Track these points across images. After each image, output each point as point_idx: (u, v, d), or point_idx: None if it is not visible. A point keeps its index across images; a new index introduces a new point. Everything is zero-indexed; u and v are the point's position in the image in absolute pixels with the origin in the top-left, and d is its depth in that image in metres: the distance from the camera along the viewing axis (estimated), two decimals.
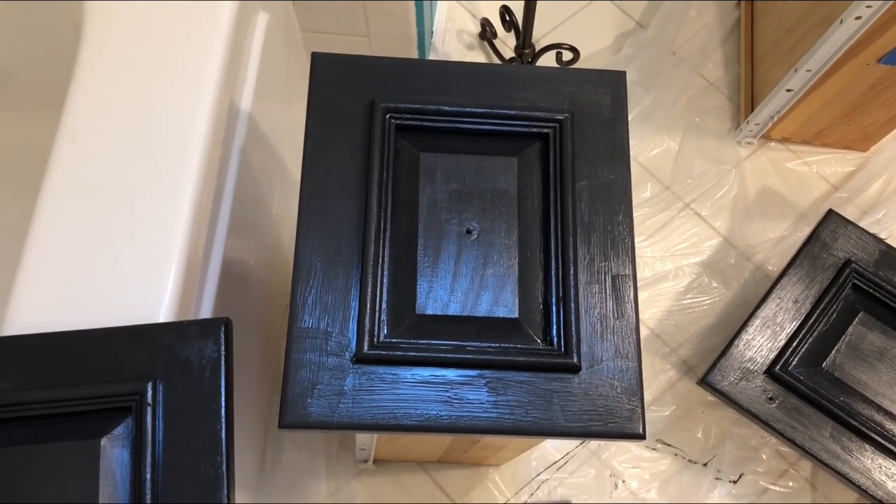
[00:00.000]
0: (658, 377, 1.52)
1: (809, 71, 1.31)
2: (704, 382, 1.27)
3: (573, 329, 0.81)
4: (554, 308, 0.83)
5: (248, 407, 1.26)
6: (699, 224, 1.59)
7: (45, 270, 0.85)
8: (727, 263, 1.57)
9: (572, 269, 0.83)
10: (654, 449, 1.48)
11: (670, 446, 1.48)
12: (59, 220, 0.87)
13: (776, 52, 1.47)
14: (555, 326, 0.82)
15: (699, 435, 1.48)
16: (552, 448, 1.47)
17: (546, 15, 1.71)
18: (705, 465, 1.47)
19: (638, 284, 1.55)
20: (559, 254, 0.84)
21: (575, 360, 0.80)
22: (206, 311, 0.98)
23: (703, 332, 1.54)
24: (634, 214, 1.60)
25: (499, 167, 0.88)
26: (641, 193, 1.61)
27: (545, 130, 0.88)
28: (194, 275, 0.93)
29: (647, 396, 1.52)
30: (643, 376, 1.50)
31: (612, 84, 0.91)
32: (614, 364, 0.82)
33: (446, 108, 0.88)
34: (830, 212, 1.32)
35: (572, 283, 0.82)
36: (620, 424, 0.80)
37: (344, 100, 0.88)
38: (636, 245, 1.58)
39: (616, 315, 0.83)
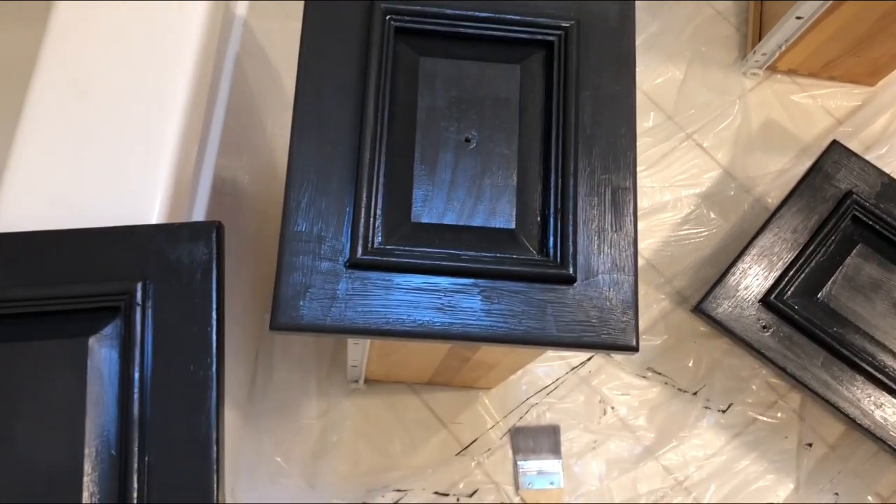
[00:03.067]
0: (651, 307, 1.52)
1: (817, 1, 1.28)
2: (698, 310, 1.27)
3: (570, 241, 0.80)
4: (551, 219, 0.81)
5: (238, 325, 1.26)
6: (700, 155, 1.58)
7: (34, 170, 0.84)
8: (726, 195, 1.55)
9: (572, 180, 0.82)
10: (644, 377, 1.49)
11: (661, 375, 1.49)
12: (48, 120, 0.85)
13: None
14: (551, 238, 0.81)
15: (690, 364, 1.49)
16: (542, 373, 1.48)
17: None
18: (695, 394, 1.47)
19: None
20: (559, 165, 0.82)
21: (570, 271, 0.79)
22: (197, 218, 0.97)
23: (698, 263, 1.53)
24: (638, 142, 1.58)
25: (500, 75, 0.86)
26: (644, 123, 1.59)
27: (550, 38, 0.86)
28: (186, 181, 0.92)
29: (640, 325, 1.51)
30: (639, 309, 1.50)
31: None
32: (610, 277, 0.81)
33: (448, 10, 0.85)
34: (834, 142, 1.30)
35: (571, 194, 0.81)
36: (614, 336, 0.79)
37: (342, 0, 0.85)
38: (639, 174, 1.57)
39: (614, 228, 0.82)
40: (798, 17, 1.36)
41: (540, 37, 0.85)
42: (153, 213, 0.84)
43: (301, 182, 0.80)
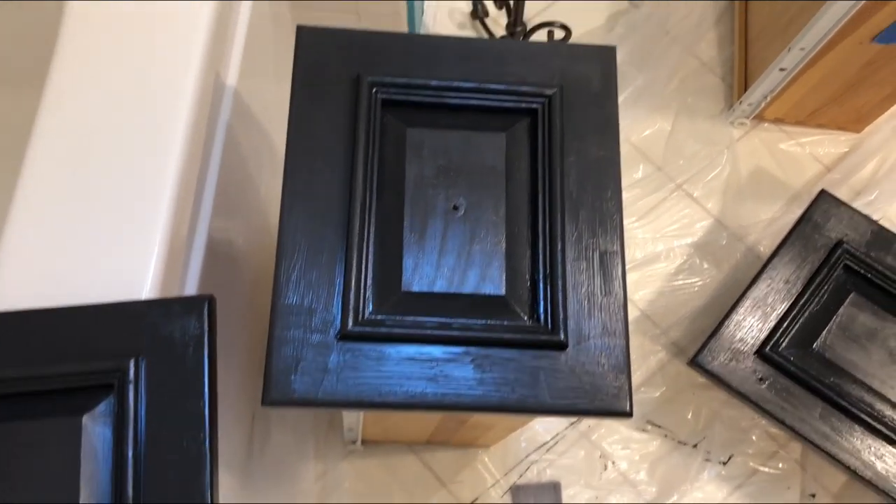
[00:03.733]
0: (648, 358, 1.51)
1: (803, 49, 1.30)
2: (694, 363, 1.27)
3: (560, 306, 0.80)
4: (541, 285, 0.82)
5: (234, 388, 1.25)
6: (691, 205, 1.59)
7: (26, 247, 0.84)
8: (719, 245, 1.56)
9: (560, 245, 0.82)
10: (643, 430, 1.48)
11: (660, 427, 1.48)
12: (41, 195, 0.86)
13: (770, 31, 1.46)
14: (542, 303, 0.81)
15: (689, 416, 1.48)
16: (542, 429, 1.47)
17: None
18: (695, 446, 1.46)
19: (628, 266, 1.55)
20: (547, 230, 0.83)
21: (562, 337, 0.79)
22: (190, 290, 0.97)
23: (693, 313, 1.53)
24: (626, 195, 1.59)
25: (487, 143, 0.87)
26: (633, 174, 1.60)
27: (534, 106, 0.87)
28: (178, 253, 0.92)
29: (638, 378, 1.51)
30: (633, 357, 1.50)
31: (602, 59, 0.90)
32: (601, 341, 0.81)
33: (434, 82, 0.86)
34: (822, 192, 1.31)
35: (560, 259, 0.81)
36: (607, 402, 0.79)
37: (329, 74, 0.87)
38: (628, 226, 1.58)
39: (604, 292, 0.82)
40: (781, 69, 1.38)
41: (524, 105, 0.87)
42: (147, 280, 0.84)
43: (291, 254, 0.81)
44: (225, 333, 1.07)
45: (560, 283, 0.81)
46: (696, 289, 1.54)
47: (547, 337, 0.79)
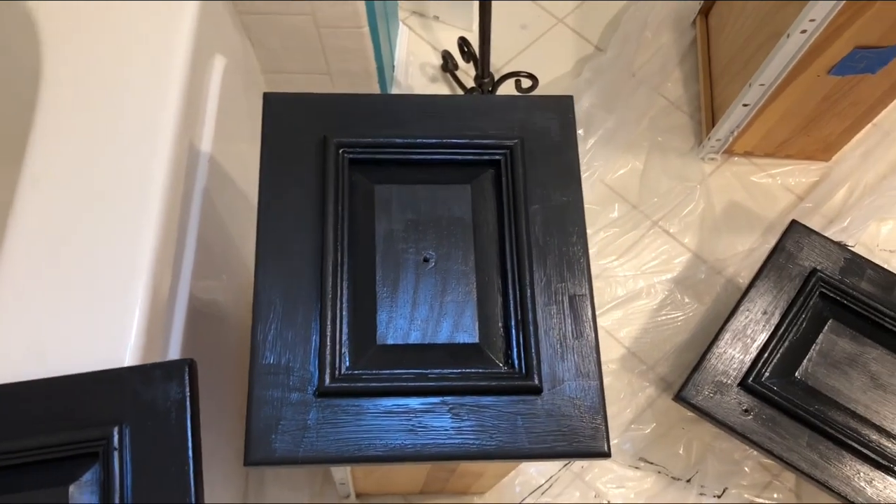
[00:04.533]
0: (637, 395, 1.52)
1: (763, 85, 1.33)
2: (680, 398, 1.28)
3: (533, 351, 0.82)
4: (513, 331, 0.83)
5: (226, 445, 1.26)
6: (668, 241, 1.61)
7: (9, 320, 0.86)
8: (698, 278, 1.58)
9: (529, 291, 0.84)
10: (637, 468, 1.48)
11: (653, 464, 1.48)
12: (22, 268, 0.88)
13: (731, 69, 1.50)
14: (515, 349, 0.83)
15: (681, 451, 1.48)
16: (535, 472, 1.47)
17: (506, 43, 1.73)
18: (689, 481, 1.47)
19: (612, 304, 1.56)
20: (516, 277, 0.85)
21: (536, 381, 0.81)
22: (174, 352, 0.99)
23: (678, 347, 1.54)
24: (604, 234, 1.62)
25: (453, 195, 0.89)
26: (610, 214, 1.63)
27: (496, 157, 0.89)
28: (160, 316, 0.94)
29: (628, 415, 1.52)
30: (622, 395, 1.50)
31: (560, 109, 0.92)
32: (576, 383, 0.82)
33: (398, 140, 0.89)
34: (793, 222, 1.34)
35: (530, 305, 0.83)
36: (585, 443, 0.80)
37: (297, 137, 0.89)
38: (608, 265, 1.60)
39: (575, 335, 0.84)
40: (745, 105, 1.41)
41: (487, 157, 0.89)
42: (128, 346, 0.86)
43: (266, 315, 0.82)
44: (213, 392, 1.08)
45: (532, 328, 0.82)
46: (680, 323, 1.56)
47: (522, 382, 0.81)
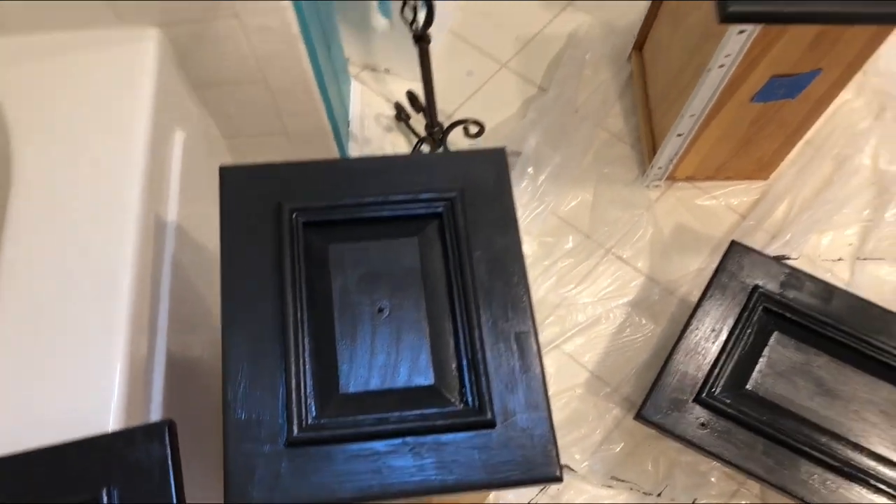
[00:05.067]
0: (604, 417, 1.59)
1: (693, 116, 1.42)
2: (640, 417, 1.34)
3: (485, 388, 0.88)
4: (466, 371, 0.90)
5: (215, 495, 1.31)
6: (622, 267, 1.68)
7: None
8: (653, 300, 1.65)
9: (478, 332, 0.91)
10: (609, 486, 1.54)
11: (624, 482, 1.54)
12: (5, 339, 0.94)
13: (666, 101, 1.58)
14: (468, 388, 0.89)
15: (650, 467, 1.55)
16: (513, 497, 1.53)
17: (455, 91, 1.81)
18: (659, 495, 1.53)
19: (574, 330, 1.63)
20: (465, 320, 0.92)
21: (489, 416, 0.87)
22: (156, 406, 1.04)
23: (640, 368, 1.61)
24: (561, 264, 1.69)
25: (402, 248, 0.96)
26: (565, 245, 1.70)
27: (439, 209, 0.97)
28: (140, 374, 1.00)
29: (597, 436, 1.58)
30: (590, 417, 1.56)
31: (495, 160, 1.00)
32: (527, 415, 0.89)
33: (347, 201, 0.96)
34: (733, 243, 1.42)
35: (479, 345, 0.90)
36: (539, 470, 0.87)
37: (253, 205, 0.96)
38: (568, 293, 1.67)
39: (522, 369, 0.90)
40: (679, 134, 1.50)
41: (430, 210, 0.96)
42: (111, 409, 0.92)
43: (235, 374, 0.88)
44: (197, 444, 1.14)
45: (482, 366, 0.89)
46: (639, 344, 1.63)
47: (476, 418, 0.87)
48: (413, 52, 1.36)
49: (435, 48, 1.83)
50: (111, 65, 1.13)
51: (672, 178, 1.71)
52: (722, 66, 1.26)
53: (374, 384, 0.90)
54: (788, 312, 1.37)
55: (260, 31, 1.16)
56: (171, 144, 1.19)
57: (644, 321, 1.64)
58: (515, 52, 1.87)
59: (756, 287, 1.39)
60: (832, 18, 1.09)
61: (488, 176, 0.99)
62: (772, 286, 1.39)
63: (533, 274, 1.69)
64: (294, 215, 0.95)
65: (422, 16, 1.18)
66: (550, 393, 1.55)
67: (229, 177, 0.97)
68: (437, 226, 0.97)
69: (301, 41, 1.21)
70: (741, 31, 1.16)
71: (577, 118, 1.76)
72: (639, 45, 1.77)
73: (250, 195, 0.97)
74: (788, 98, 1.37)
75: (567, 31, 1.87)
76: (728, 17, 1.06)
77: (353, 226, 0.97)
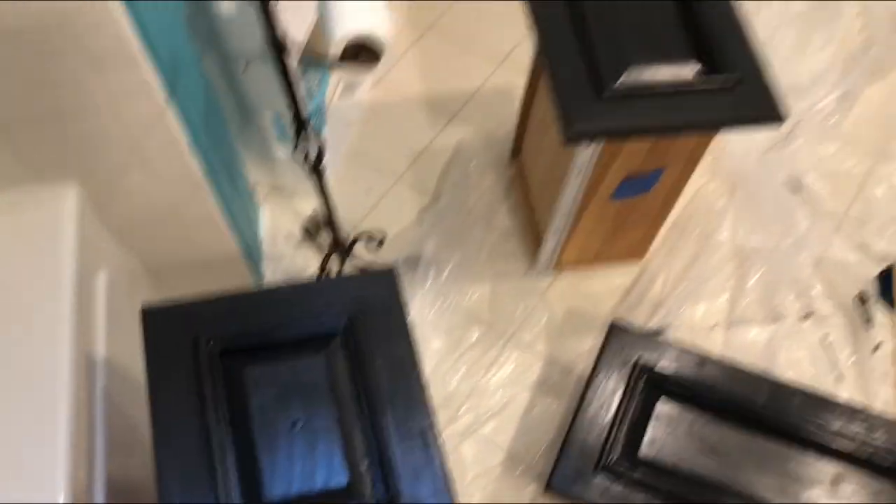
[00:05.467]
0: (522, 493, 1.71)
1: (564, 214, 1.61)
2: (549, 490, 1.48)
3: (395, 482, 1.01)
4: (377, 468, 1.03)
5: None
6: (524, 351, 1.84)
7: None
8: (554, 380, 1.81)
9: (384, 432, 1.04)
10: None
11: None
12: None
13: (542, 201, 1.78)
14: (379, 484, 1.02)
15: None
16: None
17: (356, 207, 1.97)
18: None
19: (487, 415, 1.76)
20: (371, 423, 1.05)
21: None
22: None
23: (550, 444, 1.75)
24: (469, 355, 1.83)
25: (310, 365, 1.09)
26: (471, 337, 1.85)
27: (341, 327, 1.10)
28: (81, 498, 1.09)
29: None
30: (510, 496, 1.69)
31: (388, 279, 1.15)
32: (435, 499, 1.01)
33: (258, 327, 1.09)
34: (612, 324, 1.59)
35: (386, 444, 1.03)
36: None
37: (173, 338, 1.08)
38: (479, 381, 1.81)
39: (427, 461, 1.03)
40: (556, 230, 1.68)
41: (333, 328, 1.10)
42: None
43: (168, 494, 0.99)
44: None
45: (391, 463, 1.02)
46: (547, 422, 1.77)
47: None
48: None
49: (335, 170, 2.00)
50: (34, 220, 1.24)
51: (559, 267, 1.89)
52: (580, 172, 1.45)
53: (296, 490, 1.02)
54: (667, 381, 1.54)
55: (167, 179, 1.30)
56: (96, 285, 1.31)
57: (549, 400, 1.79)
58: (408, 166, 2.05)
59: (637, 361, 1.55)
60: (654, 132, 1.28)
61: (382, 292, 1.14)
62: (650, 358, 1.56)
63: (444, 366, 1.82)
64: (210, 344, 1.07)
65: (314, 152, 1.34)
66: (471, 477, 1.70)
67: (149, 316, 1.10)
68: (341, 341, 1.11)
69: (205, 183, 1.35)
70: (588, 146, 1.36)
71: (469, 220, 1.94)
72: (516, 152, 1.98)
73: (169, 330, 1.09)
74: (643, 193, 1.57)
75: (452, 143, 2.07)
76: (569, 141, 1.25)
77: (265, 349, 1.09)
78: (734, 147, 2.00)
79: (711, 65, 1.29)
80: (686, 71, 1.30)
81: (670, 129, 1.28)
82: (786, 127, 2.04)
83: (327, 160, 1.47)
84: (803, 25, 2.21)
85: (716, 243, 1.91)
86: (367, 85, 2.13)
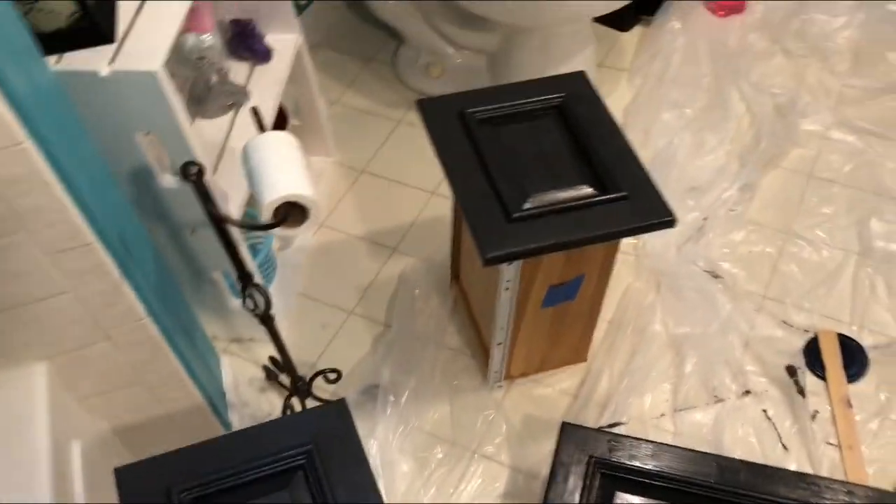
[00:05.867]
0: None
1: (503, 328, 1.74)
2: None
3: None
4: None
5: None
6: (489, 463, 1.92)
7: None
8: (521, 487, 1.88)
9: None
10: None
11: None
12: None
13: (484, 317, 1.91)
14: None
15: None
16: None
17: (313, 344, 2.08)
18: None
19: None
20: None
21: None
22: None
23: None
24: (436, 474, 1.91)
25: (277, 499, 1.18)
26: (436, 456, 1.93)
27: (301, 461, 1.20)
28: None
29: None
30: None
31: (340, 409, 1.26)
32: None
33: (224, 472, 1.18)
34: (562, 425, 1.69)
35: None
36: None
37: (147, 494, 1.17)
38: (450, 498, 1.88)
39: None
40: (499, 343, 1.81)
41: (294, 463, 1.20)
42: None
43: None
44: None
45: None
46: None
47: None
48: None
49: (289, 312, 2.12)
50: (6, 399, 1.33)
51: (510, 377, 2.00)
52: (507, 288, 1.59)
53: None
54: (622, 473, 1.63)
55: (128, 347, 1.41)
56: (70, 457, 1.39)
57: None
58: (358, 300, 2.18)
59: (591, 458, 1.65)
60: (562, 247, 1.43)
61: (336, 424, 1.24)
62: (603, 454, 1.65)
63: (415, 487, 1.89)
64: (182, 495, 1.16)
65: (262, 302, 1.46)
66: None
67: (122, 475, 1.19)
68: (303, 475, 1.20)
69: (165, 345, 1.46)
70: (509, 265, 1.50)
71: (420, 344, 2.05)
72: (455, 274, 2.12)
73: (143, 486, 1.18)
74: (570, 299, 1.71)
75: (396, 273, 2.21)
76: (487, 264, 1.40)
77: (232, 490, 1.18)
78: (653, 246, 2.17)
79: (604, 185, 1.46)
80: (583, 192, 1.46)
81: (576, 243, 1.43)
82: (697, 221, 2.22)
83: (279, 306, 1.59)
84: (698, 128, 2.44)
85: (651, 336, 2.04)
86: (310, 234, 2.29)
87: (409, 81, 2.65)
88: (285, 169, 1.12)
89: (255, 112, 1.25)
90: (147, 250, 1.49)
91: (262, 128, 1.23)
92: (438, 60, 2.55)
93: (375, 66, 2.78)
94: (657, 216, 1.43)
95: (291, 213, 1.14)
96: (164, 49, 1.34)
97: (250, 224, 1.28)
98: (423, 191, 2.40)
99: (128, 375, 1.50)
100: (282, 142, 1.17)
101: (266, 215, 1.12)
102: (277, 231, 1.13)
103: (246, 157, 1.19)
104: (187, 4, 1.39)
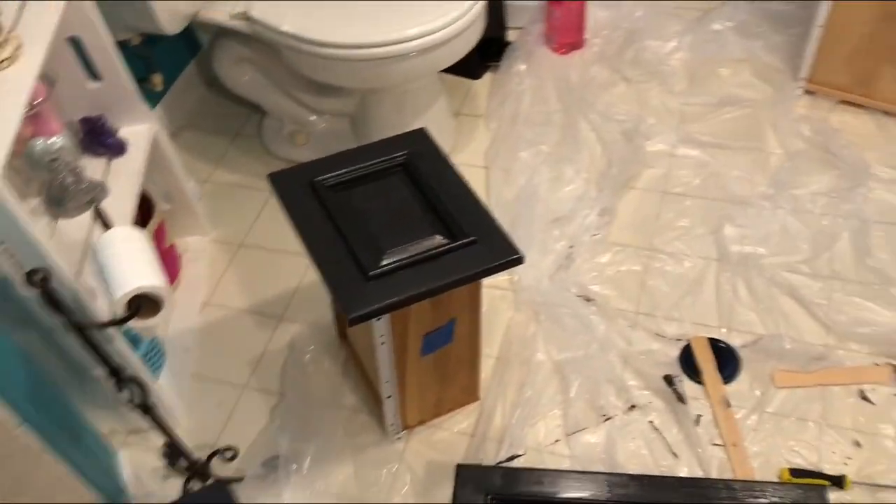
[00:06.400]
0: None
1: (388, 381, 1.78)
2: None
3: None
4: None
5: None
6: None
7: None
8: None
9: None
10: None
11: None
12: None
13: (372, 372, 1.95)
14: None
15: None
16: None
17: (211, 423, 2.09)
18: None
19: None
20: None
21: None
22: None
23: None
24: None
25: None
26: None
27: None
28: None
29: None
30: None
31: (219, 490, 1.28)
32: None
33: None
34: (457, 467, 1.73)
35: None
36: None
37: None
38: None
39: None
40: (388, 396, 1.85)
41: None
42: None
43: None
44: None
45: None
46: None
47: None
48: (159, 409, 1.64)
49: (184, 395, 2.12)
50: None
51: (408, 427, 2.04)
52: (383, 343, 1.64)
53: None
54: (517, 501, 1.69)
55: (7, 459, 1.39)
56: None
57: None
58: (251, 372, 2.20)
59: (487, 495, 1.70)
60: (423, 296, 1.50)
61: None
62: (500, 489, 1.70)
63: None
64: None
65: (138, 393, 1.47)
66: None
67: None
68: None
69: (47, 451, 1.45)
70: (378, 320, 1.56)
71: (317, 409, 2.08)
72: (342, 334, 2.16)
73: None
74: (448, 343, 1.77)
75: (285, 341, 2.24)
76: (352, 323, 1.45)
77: None
78: (527, 278, 2.26)
79: (453, 233, 1.54)
80: (435, 242, 1.54)
81: (434, 291, 1.50)
82: (565, 250, 2.33)
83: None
84: (554, 162, 2.56)
85: (536, 366, 2.11)
86: (197, 309, 2.30)
87: (277, 151, 2.70)
88: (131, 263, 1.15)
89: (98, 211, 1.28)
90: (15, 359, 1.48)
91: (106, 225, 1.26)
92: (302, 128, 2.62)
93: (242, 141, 2.83)
94: (504, 255, 1.52)
95: (144, 303, 1.17)
96: None
97: (105, 322, 1.30)
98: (303, 256, 2.42)
99: (11, 487, 1.48)
100: (127, 237, 1.20)
101: (118, 310, 1.14)
102: (133, 323, 1.15)
103: (94, 256, 1.21)
104: (17, 116, 1.39)
